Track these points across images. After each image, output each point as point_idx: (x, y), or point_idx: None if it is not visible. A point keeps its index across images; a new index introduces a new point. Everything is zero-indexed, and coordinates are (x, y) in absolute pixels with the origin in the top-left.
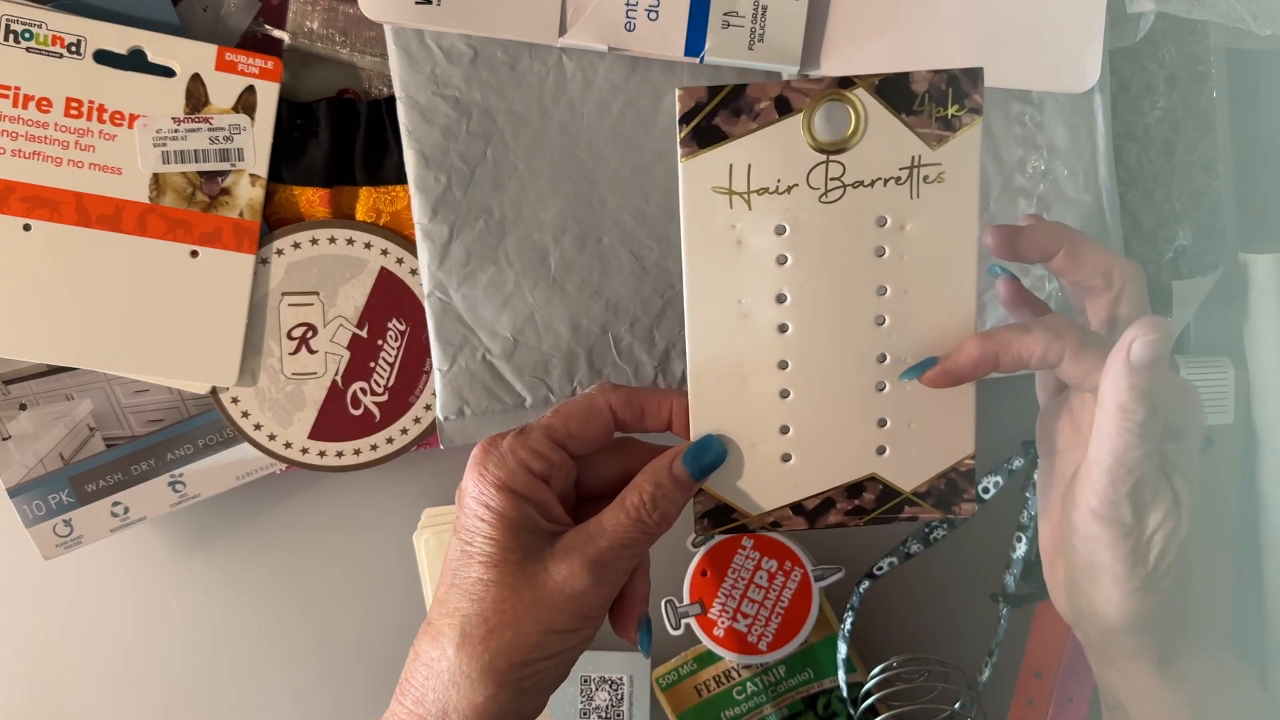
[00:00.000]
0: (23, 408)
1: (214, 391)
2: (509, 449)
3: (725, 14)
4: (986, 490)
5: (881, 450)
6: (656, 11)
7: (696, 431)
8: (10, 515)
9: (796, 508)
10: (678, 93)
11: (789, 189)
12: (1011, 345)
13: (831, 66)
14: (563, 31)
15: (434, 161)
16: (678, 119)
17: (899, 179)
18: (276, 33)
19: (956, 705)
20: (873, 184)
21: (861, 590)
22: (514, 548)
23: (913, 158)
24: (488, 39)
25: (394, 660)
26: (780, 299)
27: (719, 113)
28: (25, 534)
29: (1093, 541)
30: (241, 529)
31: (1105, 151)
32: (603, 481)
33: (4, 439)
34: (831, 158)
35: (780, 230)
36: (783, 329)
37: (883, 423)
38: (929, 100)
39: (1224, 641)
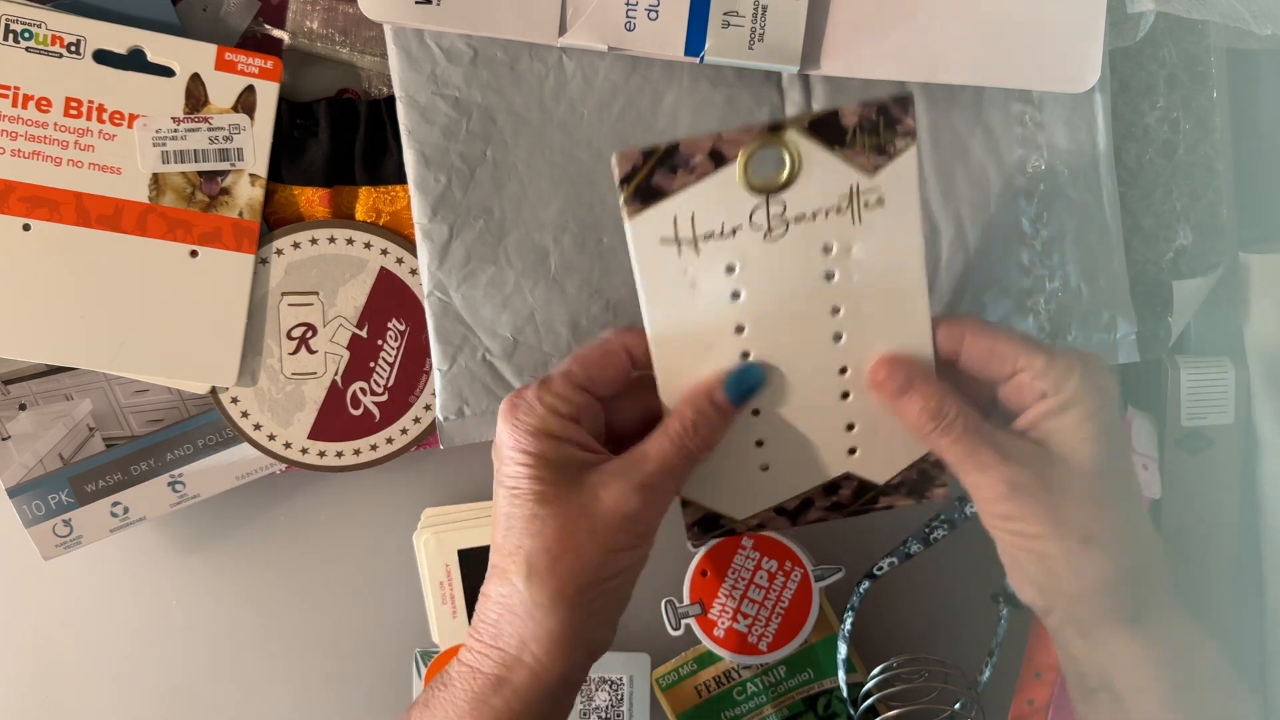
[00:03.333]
0: (22, 408)
1: (214, 391)
2: (535, 397)
3: (725, 14)
4: None
5: (852, 450)
6: (656, 11)
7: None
8: (10, 515)
9: (779, 510)
10: (614, 157)
11: (734, 230)
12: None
13: (831, 66)
14: (563, 31)
15: (434, 161)
16: (617, 181)
17: (839, 208)
18: (276, 32)
19: (957, 706)
20: (814, 216)
21: (862, 590)
22: (561, 482)
23: (851, 187)
24: (488, 39)
25: (394, 659)
26: (739, 330)
27: (656, 171)
28: (25, 534)
29: (1012, 521)
30: (241, 529)
31: (1105, 151)
32: (630, 421)
33: (4, 439)
34: (770, 197)
35: (731, 269)
36: (745, 355)
37: (850, 426)
38: (861, 132)
39: (1184, 609)
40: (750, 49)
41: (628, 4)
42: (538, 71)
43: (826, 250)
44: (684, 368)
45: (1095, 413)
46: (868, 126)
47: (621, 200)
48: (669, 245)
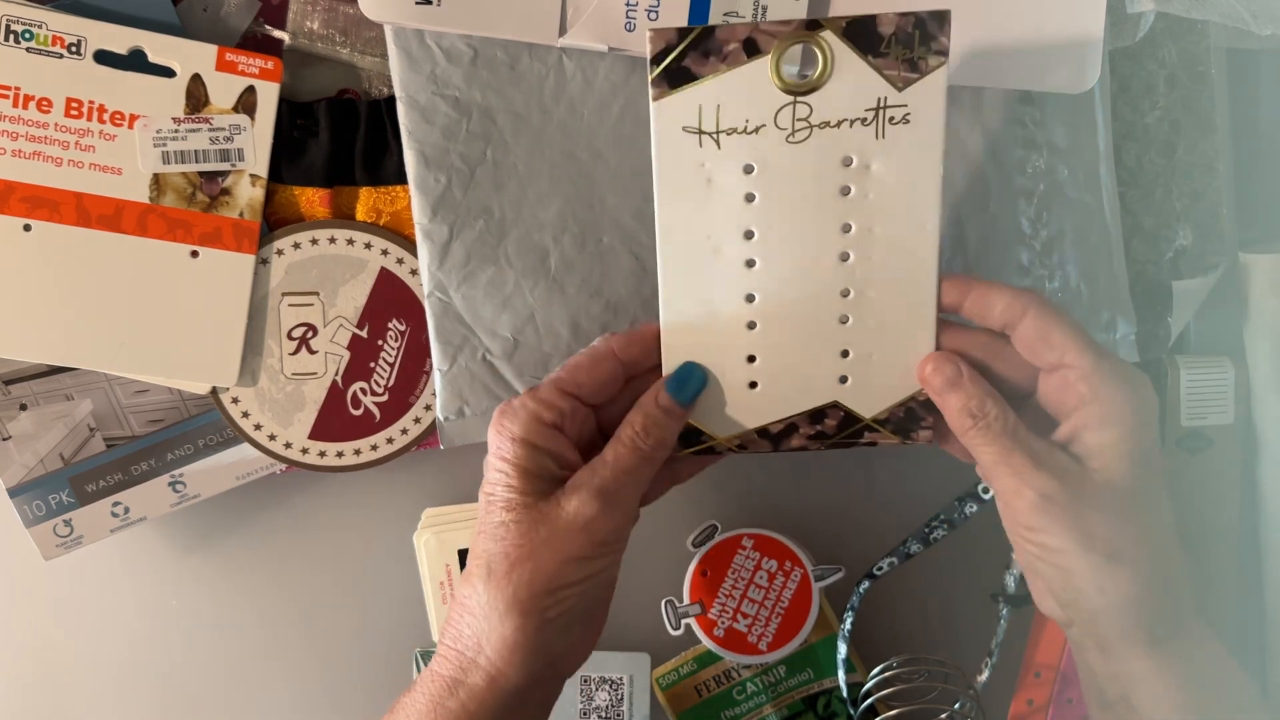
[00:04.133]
0: (23, 408)
1: (214, 392)
2: (520, 404)
3: (725, 14)
4: (987, 491)
5: (844, 379)
6: (657, 11)
7: (668, 361)
8: (10, 515)
9: (762, 432)
10: (648, 34)
11: (757, 129)
12: (976, 286)
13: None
14: (563, 32)
15: (434, 161)
16: (649, 59)
17: (865, 120)
18: (277, 33)
19: (956, 705)
20: (839, 124)
21: (861, 590)
22: (530, 491)
23: (879, 99)
24: (488, 39)
25: (393, 660)
26: (748, 235)
27: (689, 54)
28: (25, 534)
29: (1037, 533)
30: (241, 529)
31: (1105, 151)
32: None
33: (4, 439)
34: (799, 99)
35: (748, 169)
36: (750, 264)
37: (845, 353)
38: (895, 43)
39: (1207, 628)
40: None
41: (628, 4)
42: (538, 72)
43: (846, 163)
44: (690, 271)
45: (1135, 430)
46: (903, 38)
47: (649, 80)
48: (690, 135)
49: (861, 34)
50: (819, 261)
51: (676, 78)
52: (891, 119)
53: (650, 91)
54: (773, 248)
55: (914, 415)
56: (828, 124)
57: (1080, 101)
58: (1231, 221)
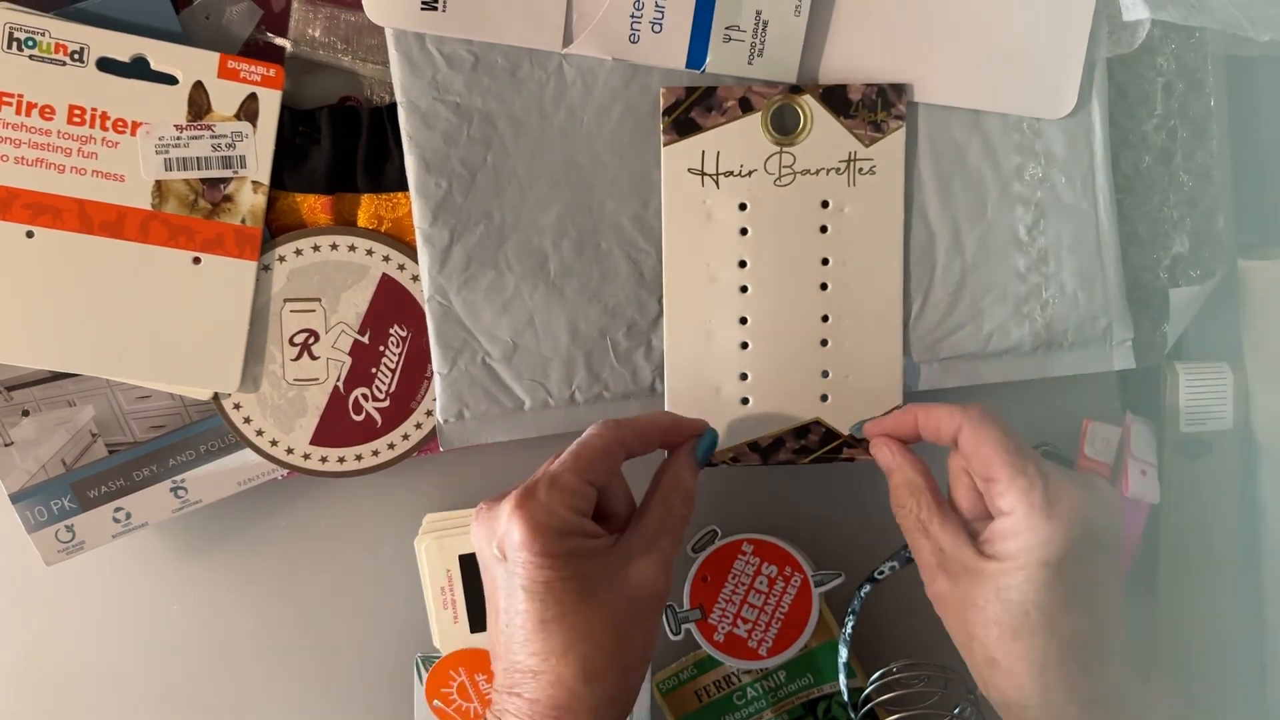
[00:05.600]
0: (25, 414)
1: (216, 397)
2: (549, 498)
3: (727, 28)
4: None
5: (824, 398)
6: (660, 24)
7: (671, 377)
8: (12, 521)
9: (753, 445)
10: (661, 91)
11: (749, 173)
12: (919, 412)
13: (826, 82)
14: (568, 41)
15: (435, 166)
16: (661, 112)
17: (838, 169)
18: (278, 40)
19: (956, 710)
20: (817, 172)
21: (862, 594)
22: (587, 574)
23: (850, 153)
24: (489, 45)
25: (395, 664)
26: (741, 264)
27: (694, 108)
28: (27, 539)
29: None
30: (243, 535)
31: (1103, 159)
32: (610, 499)
33: (6, 445)
34: (784, 149)
35: (742, 207)
36: (743, 289)
37: (825, 374)
38: (862, 107)
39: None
40: (750, 64)
41: (632, 16)
42: (538, 78)
43: (824, 205)
44: (692, 293)
45: (1047, 550)
46: (868, 103)
47: (660, 129)
48: (694, 175)
49: (834, 98)
50: (801, 289)
51: (684, 127)
52: (860, 170)
53: (662, 139)
54: (762, 275)
55: None
56: (808, 171)
57: (1078, 109)
58: (1229, 228)
